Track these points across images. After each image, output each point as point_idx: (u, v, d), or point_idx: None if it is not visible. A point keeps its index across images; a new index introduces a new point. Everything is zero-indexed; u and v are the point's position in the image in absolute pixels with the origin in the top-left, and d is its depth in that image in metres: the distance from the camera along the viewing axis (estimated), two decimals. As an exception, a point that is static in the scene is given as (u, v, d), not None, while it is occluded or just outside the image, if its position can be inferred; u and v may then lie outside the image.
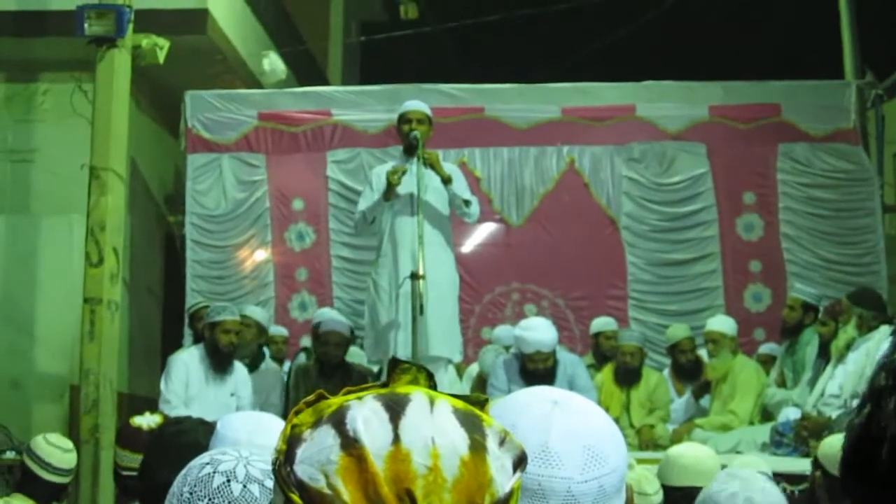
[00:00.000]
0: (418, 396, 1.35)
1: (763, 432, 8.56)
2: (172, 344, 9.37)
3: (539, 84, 11.77)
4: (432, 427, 1.30)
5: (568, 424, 1.75)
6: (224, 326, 8.40)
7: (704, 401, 9.57)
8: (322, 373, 8.52)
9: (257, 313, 10.09)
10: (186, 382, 8.30)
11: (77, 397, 9.03)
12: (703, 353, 9.87)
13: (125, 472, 4.39)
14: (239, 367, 8.62)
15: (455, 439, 1.31)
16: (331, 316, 9.33)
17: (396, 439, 1.28)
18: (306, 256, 11.50)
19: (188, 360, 8.41)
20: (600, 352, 10.35)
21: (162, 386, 8.36)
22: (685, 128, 11.32)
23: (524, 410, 1.78)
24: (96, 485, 8.36)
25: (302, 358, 9.36)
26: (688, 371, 9.86)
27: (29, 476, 5.55)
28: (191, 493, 2.08)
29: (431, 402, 1.34)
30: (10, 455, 8.50)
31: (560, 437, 1.73)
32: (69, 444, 5.81)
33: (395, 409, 1.32)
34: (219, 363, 8.36)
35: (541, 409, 1.78)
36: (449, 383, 8.61)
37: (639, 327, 10.73)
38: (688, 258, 11.25)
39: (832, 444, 5.11)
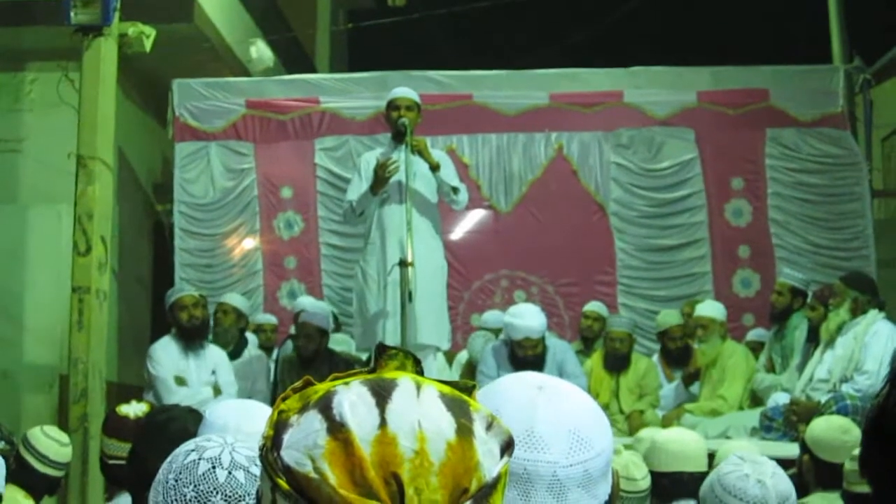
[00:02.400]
0: (405, 381, 1.35)
1: (752, 417, 8.58)
2: (161, 332, 9.34)
3: (527, 70, 11.75)
4: (419, 411, 1.30)
5: (553, 409, 1.76)
6: (179, 304, 8.55)
7: (694, 388, 9.60)
8: (305, 363, 8.51)
9: (234, 299, 10.14)
10: (171, 365, 8.40)
11: (66, 387, 9.01)
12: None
13: (111, 461, 4.38)
14: (215, 349, 8.71)
15: (442, 423, 1.30)
16: (308, 306, 9.34)
17: (383, 423, 1.28)
18: (295, 244, 11.49)
19: (165, 345, 8.52)
20: (580, 332, 10.41)
21: (153, 372, 8.39)
22: (673, 113, 11.32)
23: (509, 395, 1.78)
24: (85, 474, 8.34)
25: (289, 346, 9.36)
26: (677, 357, 9.88)
27: (25, 467, 5.54)
28: (176, 480, 2.08)
29: (418, 387, 1.34)
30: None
31: (545, 422, 1.73)
32: (66, 438, 5.82)
33: (382, 393, 1.32)
34: (188, 340, 8.48)
35: (526, 394, 1.78)
36: (438, 371, 8.63)
37: (628, 313, 10.74)
38: (676, 244, 11.25)
39: (819, 427, 5.13)
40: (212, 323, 9.57)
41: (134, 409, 4.45)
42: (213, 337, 9.35)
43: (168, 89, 11.39)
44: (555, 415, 1.75)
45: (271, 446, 1.32)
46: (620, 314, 10.59)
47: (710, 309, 9.45)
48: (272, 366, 9.55)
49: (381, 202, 8.15)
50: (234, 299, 10.19)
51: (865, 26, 12.90)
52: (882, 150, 13.59)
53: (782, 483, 3.55)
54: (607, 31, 16.26)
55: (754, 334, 10.38)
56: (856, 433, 5.09)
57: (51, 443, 5.67)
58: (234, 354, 9.29)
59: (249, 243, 11.48)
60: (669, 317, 9.91)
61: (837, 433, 5.06)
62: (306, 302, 9.82)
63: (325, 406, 1.31)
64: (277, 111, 11.50)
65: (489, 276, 11.35)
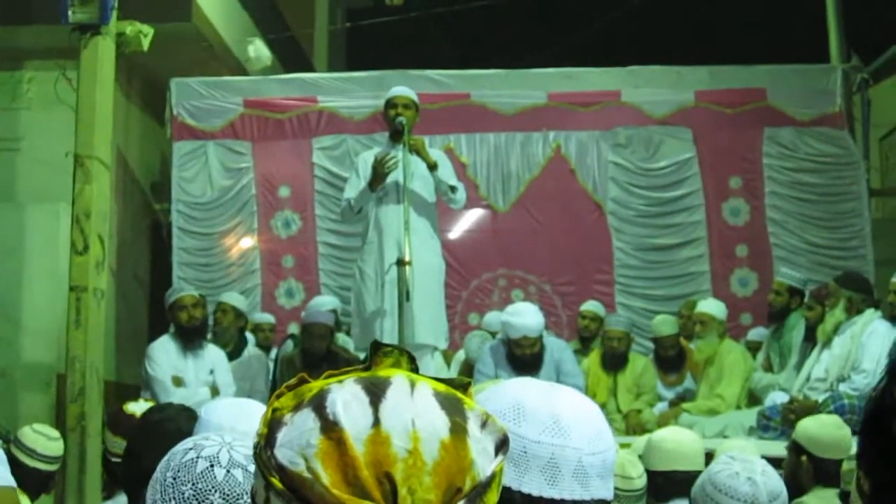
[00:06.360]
0: (399, 379, 1.34)
1: (750, 416, 8.58)
2: (159, 331, 9.35)
3: (525, 70, 11.75)
4: (413, 410, 1.30)
5: (573, 400, 1.79)
6: (179, 304, 8.58)
7: (689, 383, 9.61)
8: (307, 362, 8.50)
9: (233, 299, 10.14)
10: (169, 364, 8.41)
11: (63, 385, 8.99)
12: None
13: (115, 459, 4.39)
14: (214, 349, 8.73)
15: (435, 422, 1.30)
16: (315, 306, 9.33)
17: (376, 422, 1.28)
18: (293, 243, 11.50)
19: (164, 345, 8.53)
20: (578, 331, 10.43)
21: (151, 372, 8.39)
22: (671, 113, 11.32)
23: (525, 390, 1.79)
24: (83, 472, 8.32)
25: (289, 346, 9.35)
26: (670, 363, 9.85)
27: (14, 463, 5.54)
28: (174, 479, 2.07)
29: (412, 385, 1.34)
30: (-4, 444, 8.47)
31: (569, 411, 1.75)
32: (55, 433, 5.83)
33: (376, 392, 1.31)
34: (187, 340, 8.51)
35: (543, 387, 1.80)
36: (436, 370, 8.62)
37: (625, 312, 10.75)
38: (674, 243, 11.26)
39: (813, 427, 5.14)
40: (211, 322, 9.57)
41: (141, 408, 4.45)
42: (213, 337, 9.36)
43: (166, 88, 11.40)
44: (576, 405, 1.78)
45: (265, 444, 1.32)
46: (618, 313, 10.59)
47: (712, 306, 9.46)
48: (271, 365, 9.54)
49: (378, 201, 8.14)
50: (233, 298, 10.19)
51: (863, 25, 12.89)
52: (880, 150, 13.58)
53: (772, 480, 3.57)
54: (605, 31, 16.24)
55: (755, 334, 10.37)
56: (849, 428, 5.14)
57: (38, 437, 5.69)
58: (233, 354, 9.28)
59: (247, 242, 11.49)
60: (663, 325, 9.84)
61: (833, 429, 5.08)
62: (313, 304, 9.80)
63: (318, 404, 1.31)
64: (275, 110, 11.51)
65: (487, 276, 11.35)
